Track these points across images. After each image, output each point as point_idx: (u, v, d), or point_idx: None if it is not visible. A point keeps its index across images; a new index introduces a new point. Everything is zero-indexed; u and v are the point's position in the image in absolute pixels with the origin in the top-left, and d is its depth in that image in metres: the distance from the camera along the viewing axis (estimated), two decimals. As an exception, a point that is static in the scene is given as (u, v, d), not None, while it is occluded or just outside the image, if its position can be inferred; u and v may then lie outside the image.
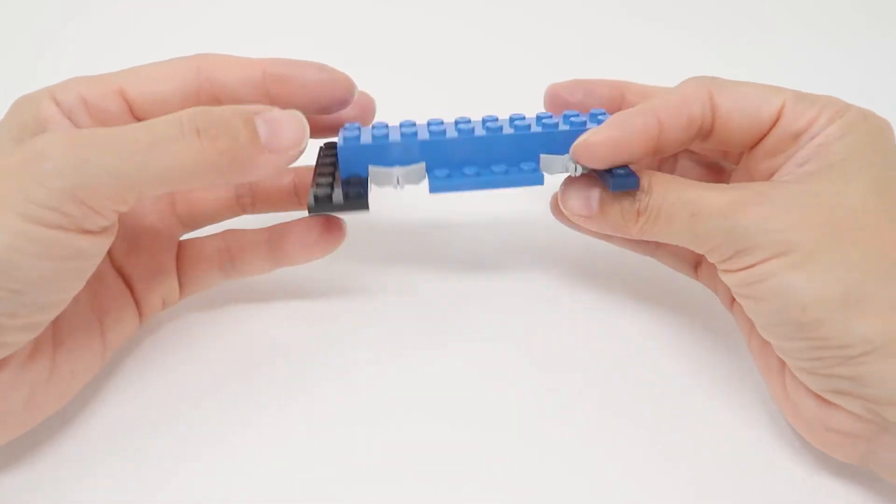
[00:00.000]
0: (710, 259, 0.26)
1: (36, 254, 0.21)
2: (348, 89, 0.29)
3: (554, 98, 0.32)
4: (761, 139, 0.27)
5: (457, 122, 0.29)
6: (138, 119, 0.27)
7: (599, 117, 0.29)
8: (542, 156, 0.29)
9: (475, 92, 0.50)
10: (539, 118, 0.29)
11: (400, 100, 0.48)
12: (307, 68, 0.28)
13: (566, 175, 0.29)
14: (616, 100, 0.32)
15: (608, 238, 0.33)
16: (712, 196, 0.26)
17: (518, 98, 0.47)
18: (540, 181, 0.28)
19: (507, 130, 0.28)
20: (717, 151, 0.32)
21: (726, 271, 0.26)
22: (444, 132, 0.28)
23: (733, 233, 0.25)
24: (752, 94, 0.27)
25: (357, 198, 0.27)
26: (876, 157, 0.26)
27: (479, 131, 0.28)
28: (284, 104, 0.27)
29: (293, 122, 0.25)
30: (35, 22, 0.57)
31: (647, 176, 0.27)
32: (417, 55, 0.56)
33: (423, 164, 0.28)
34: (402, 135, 0.28)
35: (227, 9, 0.60)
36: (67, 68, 0.48)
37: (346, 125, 0.29)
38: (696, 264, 0.32)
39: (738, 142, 0.28)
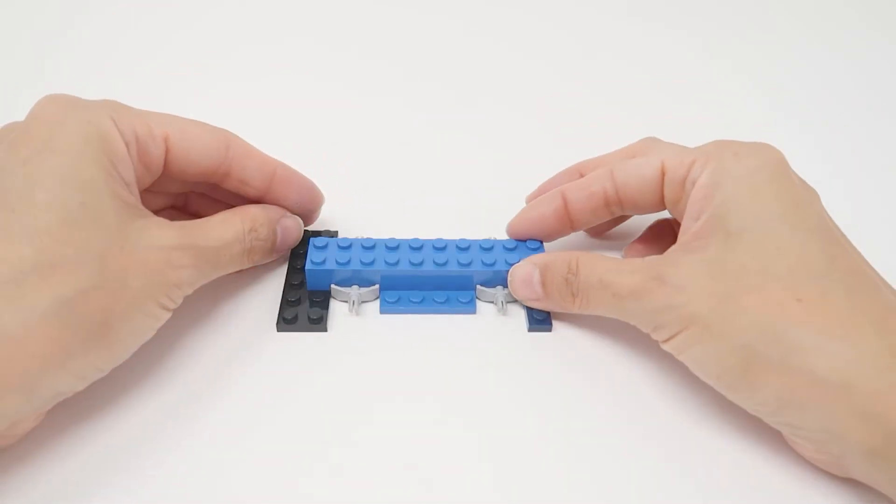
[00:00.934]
0: (642, 330, 0.30)
1: (153, 328, 0.28)
2: (319, 206, 0.36)
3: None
4: (662, 196, 0.32)
5: (410, 247, 0.34)
6: (168, 163, 0.30)
7: (531, 248, 0.35)
8: (478, 286, 0.34)
9: (472, 94, 0.53)
10: (481, 248, 0.34)
11: (400, 98, 0.52)
12: (304, 180, 0.35)
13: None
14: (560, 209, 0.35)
15: None
16: (624, 279, 0.29)
17: (514, 100, 0.51)
18: (473, 311, 0.34)
19: (452, 267, 0.34)
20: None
21: (657, 341, 0.29)
22: (397, 263, 0.33)
23: (646, 313, 0.29)
24: (639, 162, 0.32)
25: (319, 322, 0.33)
26: (754, 203, 0.28)
27: (428, 266, 0.33)
28: (275, 198, 0.34)
29: (297, 230, 0.35)
30: (36, 22, 0.58)
31: (575, 258, 0.31)
32: (416, 56, 0.58)
33: (377, 287, 0.34)
34: (362, 262, 0.33)
35: (226, 10, 0.60)
36: (70, 67, 0.51)
37: (316, 240, 0.34)
38: None
39: (644, 203, 0.33)
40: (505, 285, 0.34)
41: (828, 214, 0.30)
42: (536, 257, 0.33)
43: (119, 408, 0.29)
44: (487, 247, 0.34)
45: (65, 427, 0.28)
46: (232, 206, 0.34)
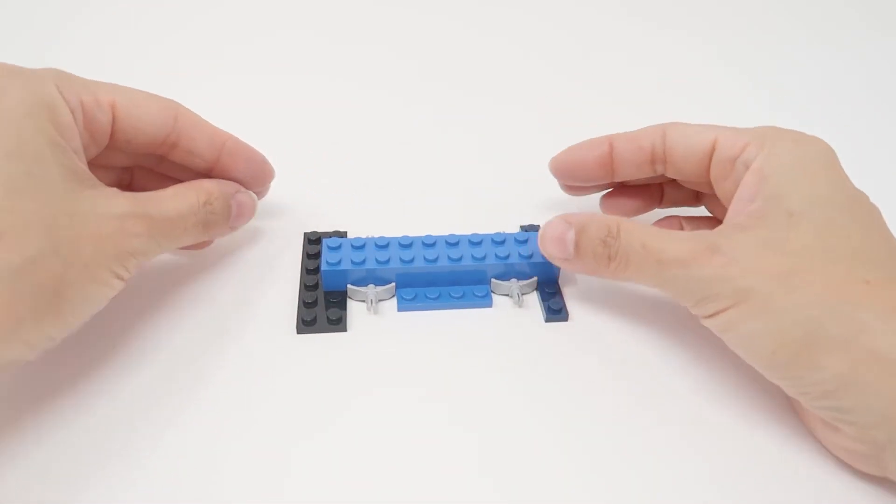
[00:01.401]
0: (681, 303, 0.29)
1: (106, 297, 0.28)
2: (269, 180, 0.37)
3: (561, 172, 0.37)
4: (708, 168, 0.32)
5: (423, 244, 0.35)
6: (115, 132, 0.30)
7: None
8: (493, 280, 0.35)
9: (473, 93, 0.53)
10: (493, 242, 0.35)
11: (400, 98, 0.52)
12: (254, 153, 0.35)
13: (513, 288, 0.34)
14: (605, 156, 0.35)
15: None
16: (674, 246, 0.28)
17: (515, 99, 0.51)
18: (489, 305, 0.34)
19: (467, 262, 0.34)
20: (694, 183, 0.35)
21: (699, 316, 0.29)
22: (412, 260, 0.34)
23: (695, 282, 0.28)
24: (694, 130, 0.33)
25: (338, 322, 0.33)
26: (814, 189, 0.28)
27: (443, 262, 0.34)
28: (224, 169, 0.34)
29: (251, 205, 0.35)
30: (33, 21, 0.59)
31: (616, 222, 0.31)
32: (417, 55, 0.58)
33: (393, 285, 0.34)
34: (377, 261, 0.34)
35: (225, 7, 0.61)
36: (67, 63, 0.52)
37: (330, 241, 0.35)
38: None
39: (688, 170, 0.33)
40: (519, 277, 0.34)
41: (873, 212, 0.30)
42: (572, 216, 0.32)
43: (142, 413, 0.29)
44: (500, 240, 0.35)
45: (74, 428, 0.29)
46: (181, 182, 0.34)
